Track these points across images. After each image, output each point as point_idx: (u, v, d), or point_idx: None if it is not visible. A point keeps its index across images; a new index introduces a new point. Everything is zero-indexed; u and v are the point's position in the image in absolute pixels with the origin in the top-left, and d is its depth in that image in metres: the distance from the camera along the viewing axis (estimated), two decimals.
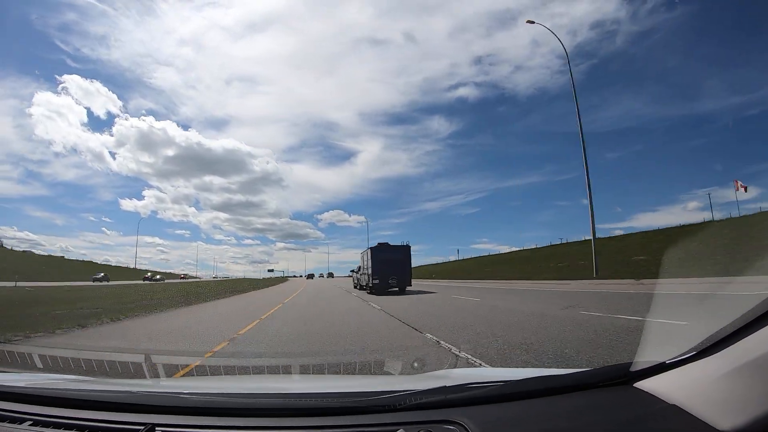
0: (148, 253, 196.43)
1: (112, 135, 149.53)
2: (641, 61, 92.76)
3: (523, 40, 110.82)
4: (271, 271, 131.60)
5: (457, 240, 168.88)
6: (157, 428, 1.19)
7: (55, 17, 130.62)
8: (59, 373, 3.23)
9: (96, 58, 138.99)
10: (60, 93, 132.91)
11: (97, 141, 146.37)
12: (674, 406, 1.11)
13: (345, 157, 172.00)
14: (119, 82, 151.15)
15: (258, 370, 3.92)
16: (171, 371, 3.93)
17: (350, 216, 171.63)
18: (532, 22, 26.89)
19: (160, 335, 7.41)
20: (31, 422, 1.27)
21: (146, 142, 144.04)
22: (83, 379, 2.08)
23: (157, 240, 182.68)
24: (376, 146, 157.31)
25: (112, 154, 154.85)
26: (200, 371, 4.16)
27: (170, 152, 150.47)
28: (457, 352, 4.99)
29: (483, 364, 4.36)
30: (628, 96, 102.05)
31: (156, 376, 3.12)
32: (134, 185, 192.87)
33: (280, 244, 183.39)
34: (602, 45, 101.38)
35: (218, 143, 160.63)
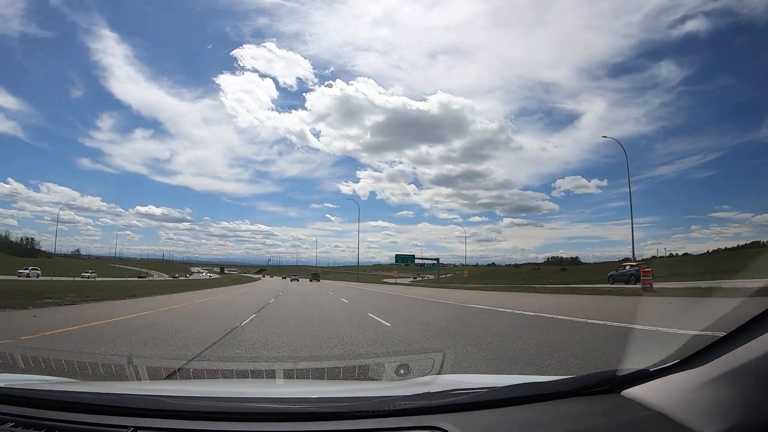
0: (376, 237, 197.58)
1: (307, 109, 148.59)
2: None
3: None
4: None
5: (693, 208, 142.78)
6: (139, 431, 1.19)
7: (247, 25, 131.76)
8: (41, 374, 3.17)
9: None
10: (239, 71, 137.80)
11: (296, 118, 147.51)
12: (659, 413, 1.15)
13: (567, 120, 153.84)
14: (325, 76, 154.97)
15: (242, 374, 3.89)
16: (154, 374, 3.88)
17: (589, 181, 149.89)
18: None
19: None
20: (12, 423, 1.27)
21: (347, 111, 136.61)
22: (66, 380, 2.06)
23: (382, 223, 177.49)
24: (599, 105, 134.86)
25: (316, 134, 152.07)
26: (183, 374, 4.11)
27: (376, 119, 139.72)
28: None
29: None
30: None
31: (139, 378, 3.08)
32: (347, 166, 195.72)
33: (507, 220, 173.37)
34: None
35: (429, 103, 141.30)
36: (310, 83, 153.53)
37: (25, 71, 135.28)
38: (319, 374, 3.82)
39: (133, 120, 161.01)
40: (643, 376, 1.32)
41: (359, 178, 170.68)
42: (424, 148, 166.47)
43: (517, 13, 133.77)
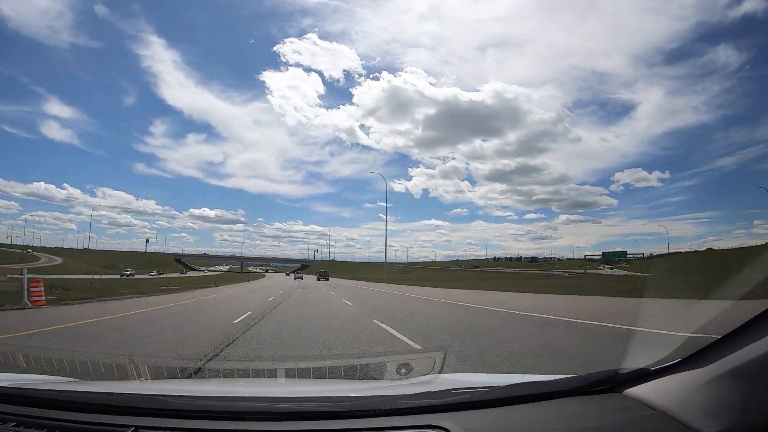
0: (430, 237, 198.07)
1: (355, 104, 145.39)
2: None
3: None
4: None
5: (756, 202, 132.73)
6: (140, 430, 1.20)
7: (293, 26, 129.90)
8: (43, 373, 3.18)
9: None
10: (283, 67, 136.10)
11: (344, 114, 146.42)
12: (660, 412, 1.15)
13: (623, 111, 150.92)
14: (372, 67, 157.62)
15: (243, 374, 3.90)
16: (156, 373, 3.88)
17: (650, 173, 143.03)
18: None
19: None
20: (14, 423, 1.27)
21: (397, 104, 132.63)
22: (67, 380, 2.07)
23: (435, 222, 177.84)
24: (656, 94, 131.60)
25: (365, 131, 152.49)
26: (184, 374, 4.11)
27: (427, 112, 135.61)
28: None
29: None
30: None
31: (140, 377, 3.09)
32: (398, 164, 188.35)
33: (563, 217, 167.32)
34: None
35: (482, 93, 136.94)
36: (357, 75, 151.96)
37: (78, 81, 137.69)
38: (320, 373, 3.81)
39: (185, 125, 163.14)
40: (644, 375, 1.31)
41: (411, 176, 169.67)
42: (477, 142, 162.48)
43: (566, 0, 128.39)
